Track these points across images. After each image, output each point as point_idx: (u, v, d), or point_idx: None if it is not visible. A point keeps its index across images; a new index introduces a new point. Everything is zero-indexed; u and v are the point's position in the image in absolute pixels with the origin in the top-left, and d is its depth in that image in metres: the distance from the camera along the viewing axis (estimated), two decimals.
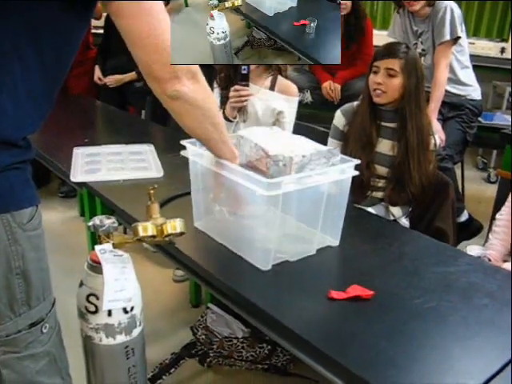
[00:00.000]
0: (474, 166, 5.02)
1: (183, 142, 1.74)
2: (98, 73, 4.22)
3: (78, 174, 2.26)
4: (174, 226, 1.43)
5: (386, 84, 2.24)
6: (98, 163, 2.40)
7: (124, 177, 2.26)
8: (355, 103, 2.46)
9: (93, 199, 2.26)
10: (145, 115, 4.17)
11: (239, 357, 2.32)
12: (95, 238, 2.32)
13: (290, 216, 1.63)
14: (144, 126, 3.50)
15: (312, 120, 3.50)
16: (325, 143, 2.53)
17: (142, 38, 1.24)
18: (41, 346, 1.30)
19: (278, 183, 1.46)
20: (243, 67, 2.44)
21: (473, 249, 2.30)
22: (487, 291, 1.53)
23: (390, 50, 2.27)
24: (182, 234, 1.45)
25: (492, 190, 4.44)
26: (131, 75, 4.15)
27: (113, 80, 4.20)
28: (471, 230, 3.22)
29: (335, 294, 1.44)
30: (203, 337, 2.38)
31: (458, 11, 3.17)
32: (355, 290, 1.46)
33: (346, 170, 1.63)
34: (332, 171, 1.60)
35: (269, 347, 2.33)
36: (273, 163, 1.54)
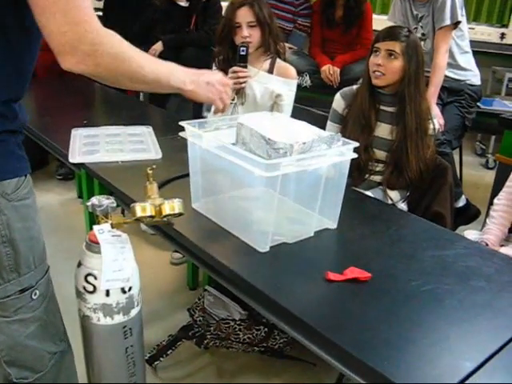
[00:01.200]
0: (472, 152, 5.02)
1: (182, 123, 1.74)
2: None
3: (76, 155, 2.26)
4: (173, 206, 1.43)
5: (385, 66, 2.24)
6: (97, 144, 2.39)
7: (122, 158, 2.25)
8: (355, 87, 2.46)
9: (91, 180, 2.26)
10: (143, 97, 4.15)
11: (236, 339, 2.33)
12: (93, 219, 2.33)
13: (288, 198, 1.63)
14: (143, 108, 3.49)
15: (311, 103, 3.49)
16: (323, 127, 2.53)
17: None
18: (31, 312, 1.34)
19: (277, 164, 1.46)
20: (241, 48, 2.44)
21: (470, 233, 2.30)
22: (484, 274, 1.53)
23: (391, 33, 2.27)
24: (180, 214, 1.45)
25: (490, 176, 4.46)
26: None
27: None
28: (469, 215, 3.22)
29: (332, 276, 1.45)
30: (200, 319, 2.38)
31: None
32: (353, 272, 1.46)
33: (344, 152, 1.63)
34: (331, 153, 1.60)
35: (266, 330, 2.34)
36: (273, 150, 1.53)
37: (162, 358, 2.30)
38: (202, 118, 1.70)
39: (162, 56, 3.95)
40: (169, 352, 2.32)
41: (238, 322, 2.33)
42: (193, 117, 3.61)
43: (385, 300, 1.40)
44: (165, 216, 1.43)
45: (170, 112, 3.71)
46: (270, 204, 1.55)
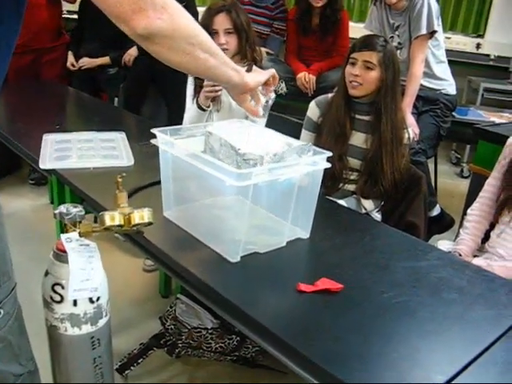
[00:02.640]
0: (447, 161, 5.06)
1: (153, 131, 1.71)
2: (71, 58, 4.15)
3: (46, 161, 2.22)
4: (142, 215, 1.41)
5: (362, 76, 2.24)
6: (69, 150, 2.35)
7: (94, 165, 2.21)
8: (330, 95, 2.45)
9: (62, 187, 2.22)
10: (118, 103, 4.12)
11: (208, 348, 2.31)
12: (63, 228, 2.30)
13: (260, 207, 1.62)
14: (117, 114, 3.45)
15: (286, 111, 3.49)
16: (298, 134, 2.52)
17: None
18: None
19: (249, 174, 1.44)
20: None
21: (443, 243, 2.31)
22: (456, 286, 1.53)
23: (368, 43, 2.26)
24: (149, 224, 1.43)
25: (465, 185, 4.46)
26: (104, 59, 4.09)
27: (86, 62, 4.13)
28: (443, 224, 3.24)
29: (304, 287, 1.43)
30: (172, 327, 2.36)
31: (435, 5, 3.17)
32: (324, 283, 1.45)
33: (317, 161, 1.62)
34: (303, 163, 1.59)
35: (238, 339, 2.32)
36: (243, 161, 1.51)
37: (132, 367, 2.27)
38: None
39: (138, 61, 3.92)
40: (140, 361, 2.29)
41: (209, 331, 2.31)
42: (168, 123, 3.62)
43: (356, 312, 1.38)
44: (134, 225, 1.40)
45: (144, 117, 3.68)
46: (242, 213, 1.53)
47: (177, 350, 2.32)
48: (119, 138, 2.56)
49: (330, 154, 1.62)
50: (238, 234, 1.54)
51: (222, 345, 2.30)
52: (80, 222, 1.43)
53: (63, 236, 1.39)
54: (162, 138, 1.69)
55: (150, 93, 3.90)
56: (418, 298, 1.45)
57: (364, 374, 1.16)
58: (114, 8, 1.13)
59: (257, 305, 1.39)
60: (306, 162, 1.59)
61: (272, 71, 1.62)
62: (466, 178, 4.69)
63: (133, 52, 3.90)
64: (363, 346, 1.25)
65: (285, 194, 1.60)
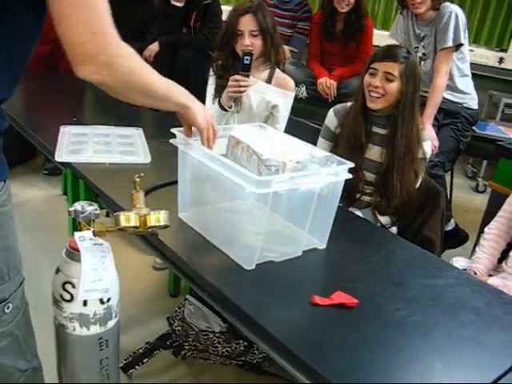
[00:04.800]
0: (463, 174, 5.00)
1: (173, 130, 1.69)
2: None
3: (63, 154, 2.20)
4: (158, 218, 1.38)
5: (383, 88, 2.18)
6: (85, 144, 2.34)
7: (110, 160, 2.20)
8: (348, 104, 2.40)
9: (76, 180, 2.20)
10: None
11: (214, 351, 2.28)
12: (75, 221, 2.28)
13: (278, 215, 1.59)
14: (134, 109, 3.41)
15: (305, 115, 3.46)
16: (315, 140, 2.48)
17: (62, 8, 1.11)
18: (3, 326, 1.26)
19: (269, 181, 1.41)
20: (246, 57, 2.39)
21: (458, 260, 2.27)
22: (473, 307, 1.50)
23: (390, 53, 2.19)
24: (165, 226, 1.40)
25: (480, 200, 4.44)
26: None
27: None
28: (457, 239, 3.20)
29: (319, 300, 1.40)
30: (179, 328, 2.33)
31: (463, 17, 3.13)
32: (340, 297, 1.42)
33: (339, 172, 1.59)
34: (325, 173, 1.56)
35: (245, 344, 2.29)
36: (265, 167, 1.48)
37: (137, 366, 2.24)
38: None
39: (158, 56, 3.90)
40: (145, 360, 2.26)
41: (217, 335, 2.28)
42: None
43: (370, 328, 1.36)
44: (149, 227, 1.38)
45: (161, 114, 3.65)
46: (260, 220, 1.51)
47: (183, 352, 2.29)
48: (136, 134, 2.54)
49: (352, 164, 1.59)
50: (254, 241, 1.51)
51: (229, 349, 2.28)
52: (94, 221, 1.41)
53: (77, 234, 1.36)
54: (182, 138, 1.66)
55: None
56: (434, 318, 1.42)
57: None
58: (65, 48, 1.14)
59: (270, 315, 1.37)
60: (328, 172, 1.56)
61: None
62: (481, 192, 4.63)
63: (154, 47, 3.87)
64: (376, 365, 1.23)
65: (304, 202, 1.57)
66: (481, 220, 2.82)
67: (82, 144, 2.33)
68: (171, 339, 2.33)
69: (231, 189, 1.53)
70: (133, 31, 3.70)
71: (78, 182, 2.18)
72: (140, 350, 2.29)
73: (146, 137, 2.53)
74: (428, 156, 2.29)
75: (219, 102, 2.50)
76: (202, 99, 2.70)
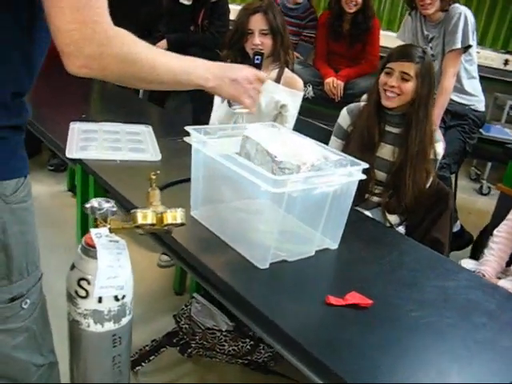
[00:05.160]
0: (466, 176, 5.00)
1: (187, 128, 1.69)
2: None
3: (73, 150, 2.20)
4: (175, 216, 1.38)
5: (399, 87, 2.19)
6: (95, 141, 2.34)
7: (121, 157, 2.20)
8: (362, 103, 2.41)
9: (86, 177, 2.20)
10: (142, 94, 4.09)
11: (221, 350, 2.28)
12: (85, 218, 2.28)
13: (291, 215, 1.59)
14: (141, 106, 3.43)
15: (311, 115, 3.45)
16: (322, 140, 2.48)
17: None
18: (20, 321, 1.26)
19: (285, 181, 1.41)
20: (256, 57, 2.36)
21: (467, 263, 2.27)
22: (486, 310, 1.50)
23: (406, 53, 2.21)
24: (182, 224, 1.39)
25: (483, 202, 4.45)
26: None
27: None
28: (463, 241, 3.20)
29: (333, 300, 1.40)
30: (186, 326, 2.33)
31: (471, 19, 3.13)
32: (354, 298, 1.42)
33: (353, 172, 1.59)
34: (339, 173, 1.56)
35: (251, 343, 2.29)
36: (279, 169, 1.48)
37: (144, 363, 2.24)
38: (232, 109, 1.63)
39: None
40: (151, 358, 2.27)
41: (224, 333, 2.28)
42: (192, 119, 3.59)
43: (384, 329, 1.36)
44: (166, 225, 1.38)
45: (168, 112, 3.65)
46: (275, 219, 1.51)
47: (189, 350, 2.29)
48: (145, 132, 2.54)
49: (366, 165, 1.59)
50: (268, 240, 1.51)
51: (236, 348, 2.28)
52: (110, 218, 1.40)
53: (93, 231, 1.36)
54: (196, 136, 1.66)
55: None
56: (448, 320, 1.43)
57: None
58: (54, 39, 1.09)
59: (284, 313, 1.37)
60: (342, 173, 1.56)
61: None
62: (484, 195, 4.64)
63: (162, 45, 3.86)
64: (392, 365, 1.24)
65: (318, 203, 1.57)
66: (486, 222, 2.82)
67: (92, 141, 2.33)
68: (178, 337, 2.33)
69: (246, 187, 1.53)
70: (140, 29, 3.69)
71: (88, 178, 2.18)
72: (146, 348, 2.29)
73: (154, 134, 2.53)
74: (439, 157, 2.30)
75: (228, 101, 2.49)
76: (211, 97, 2.70)
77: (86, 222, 2.30)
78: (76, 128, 2.46)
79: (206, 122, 2.68)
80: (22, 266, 1.22)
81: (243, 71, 1.53)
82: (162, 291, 2.88)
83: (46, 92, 3.19)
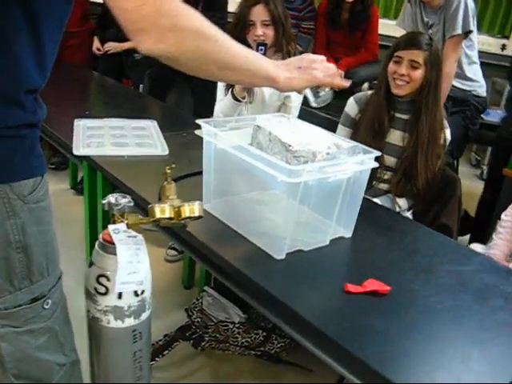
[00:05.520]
0: (467, 162, 5.01)
1: (198, 121, 1.68)
2: (96, 43, 4.12)
3: (80, 147, 2.19)
4: (192, 209, 1.37)
5: (409, 75, 2.21)
6: (101, 137, 2.33)
7: (128, 153, 2.19)
8: (369, 92, 2.43)
9: (94, 174, 2.19)
10: (143, 89, 4.08)
11: (234, 342, 2.29)
12: (94, 214, 2.27)
13: (306, 205, 1.59)
14: (145, 101, 3.41)
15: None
16: (326, 129, 2.48)
17: None
18: (42, 322, 1.26)
19: (301, 171, 1.41)
20: (260, 47, 2.38)
21: (475, 247, 2.28)
22: (502, 293, 1.51)
23: (414, 41, 2.23)
24: (199, 217, 1.39)
25: None
26: (131, 43, 3.99)
27: (112, 46, 4.09)
28: (467, 226, 3.21)
29: (352, 288, 1.41)
30: (198, 320, 2.34)
31: (471, 4, 3.12)
32: (372, 285, 1.43)
33: (366, 161, 1.59)
34: (352, 162, 1.56)
35: (264, 334, 2.30)
36: (293, 158, 1.48)
37: (157, 358, 2.25)
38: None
39: None
40: (165, 352, 2.27)
41: (237, 325, 2.29)
42: (193, 112, 3.59)
43: (404, 314, 1.37)
44: (183, 218, 1.37)
45: (170, 106, 3.64)
46: (290, 210, 1.51)
47: (203, 343, 2.30)
48: (151, 126, 2.53)
49: (378, 153, 1.59)
50: (284, 230, 1.52)
51: (249, 339, 2.28)
52: (127, 214, 1.40)
53: (111, 227, 1.35)
54: (208, 129, 1.66)
55: (176, 81, 3.86)
56: (465, 304, 1.43)
57: (419, 377, 1.15)
58: (121, 21, 1.06)
59: (304, 303, 1.37)
60: (355, 161, 1.56)
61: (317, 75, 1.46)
62: (485, 180, 4.64)
63: None
64: (416, 350, 1.24)
65: (332, 192, 1.57)
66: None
67: (99, 137, 2.32)
68: (190, 331, 2.34)
69: (260, 178, 1.53)
70: None
71: (96, 175, 2.18)
72: (160, 343, 2.29)
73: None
74: (447, 143, 2.31)
75: (232, 92, 2.49)
76: (212, 90, 2.70)
77: (95, 219, 2.30)
78: (81, 125, 2.45)
79: (208, 115, 2.68)
80: (42, 265, 1.22)
81: (300, 59, 1.47)
82: (170, 286, 2.88)
83: (45, 90, 3.18)
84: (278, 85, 1.37)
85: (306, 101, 2.71)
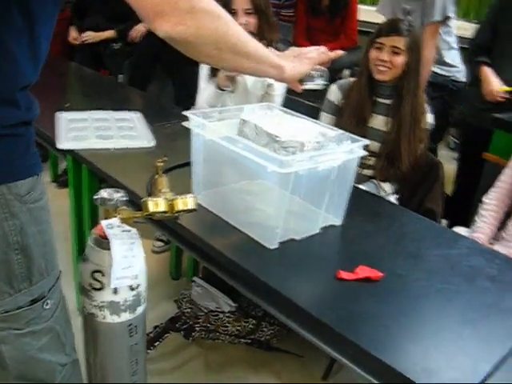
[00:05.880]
0: (445, 146, 5.05)
1: (186, 113, 1.68)
2: (73, 33, 4.03)
3: (63, 141, 2.16)
4: (186, 202, 1.37)
5: (391, 61, 2.24)
6: (85, 130, 2.30)
7: (114, 145, 2.17)
8: (351, 79, 2.45)
9: (78, 168, 2.18)
10: (123, 79, 4.04)
11: (224, 331, 2.31)
12: (79, 208, 2.26)
13: (297, 193, 1.60)
14: (125, 91, 3.38)
15: (295, 92, 3.44)
16: (309, 116, 2.50)
17: None
18: (43, 322, 1.26)
19: (291, 161, 1.43)
20: None
21: (459, 230, 2.31)
22: (488, 275, 1.54)
23: (395, 27, 2.26)
24: (193, 210, 1.40)
25: None
26: (110, 32, 3.96)
27: (90, 36, 4.00)
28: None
29: (344, 275, 1.43)
30: (188, 310, 2.35)
31: None
32: (364, 271, 1.45)
33: (354, 150, 1.61)
34: (341, 151, 1.58)
35: (254, 322, 2.32)
36: (282, 149, 1.49)
37: (149, 350, 2.25)
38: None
39: (146, 38, 3.83)
40: (156, 344, 2.28)
41: (227, 314, 2.31)
42: (175, 102, 3.57)
43: (397, 299, 1.39)
44: (177, 212, 1.38)
45: (151, 96, 3.62)
46: (281, 200, 1.52)
47: (193, 334, 2.31)
48: (135, 118, 2.51)
49: (367, 141, 1.61)
50: (276, 220, 1.53)
51: (239, 328, 2.31)
52: (120, 208, 1.40)
53: (104, 222, 1.36)
54: (196, 120, 1.66)
55: (156, 71, 3.83)
56: (454, 286, 1.46)
57: (413, 360, 1.18)
58: (138, 7, 1.06)
59: (298, 290, 1.39)
60: (344, 150, 1.58)
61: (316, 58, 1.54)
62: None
63: (141, 28, 3.79)
64: (409, 332, 1.28)
65: (321, 181, 1.59)
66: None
67: (82, 130, 2.29)
68: (181, 321, 2.35)
69: (251, 169, 1.54)
70: (117, 11, 3.63)
71: (81, 169, 2.17)
72: (150, 335, 2.30)
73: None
74: (429, 127, 2.34)
75: (218, 83, 2.48)
76: (193, 80, 2.69)
77: (81, 213, 2.29)
78: (63, 118, 2.42)
79: (189, 105, 2.68)
80: (41, 266, 1.21)
81: (291, 51, 1.52)
82: (158, 277, 2.88)
83: None
84: (285, 74, 1.38)
85: (289, 89, 2.71)
